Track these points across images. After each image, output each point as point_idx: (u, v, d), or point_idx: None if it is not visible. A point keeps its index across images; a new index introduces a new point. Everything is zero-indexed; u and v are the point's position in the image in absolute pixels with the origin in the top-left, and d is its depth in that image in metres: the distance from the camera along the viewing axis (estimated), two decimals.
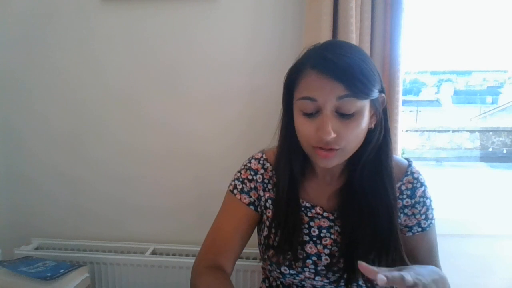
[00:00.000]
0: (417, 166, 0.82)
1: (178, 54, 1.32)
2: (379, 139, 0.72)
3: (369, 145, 0.71)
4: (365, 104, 0.66)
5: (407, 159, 0.82)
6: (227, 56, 1.31)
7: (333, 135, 0.64)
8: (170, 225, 1.43)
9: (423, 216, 0.79)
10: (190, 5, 1.28)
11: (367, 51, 1.14)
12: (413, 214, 0.79)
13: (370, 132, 0.71)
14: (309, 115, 0.67)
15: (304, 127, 0.68)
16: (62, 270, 1.13)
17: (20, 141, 1.44)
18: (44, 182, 1.45)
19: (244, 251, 1.29)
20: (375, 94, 0.67)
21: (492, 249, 1.31)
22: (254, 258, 1.30)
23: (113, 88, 1.37)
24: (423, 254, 0.80)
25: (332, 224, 0.78)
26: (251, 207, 0.83)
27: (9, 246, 1.37)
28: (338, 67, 0.64)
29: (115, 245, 1.40)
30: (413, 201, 0.79)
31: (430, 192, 0.81)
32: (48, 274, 1.09)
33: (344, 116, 0.65)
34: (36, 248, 1.40)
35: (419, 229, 0.79)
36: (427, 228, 0.80)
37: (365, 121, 0.67)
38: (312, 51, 0.70)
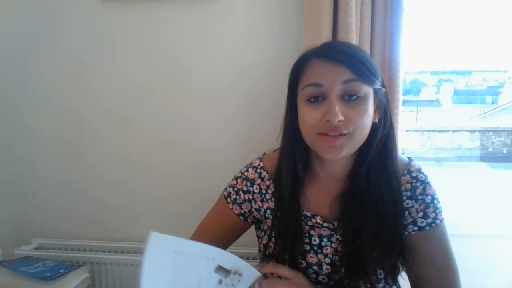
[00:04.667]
0: (418, 163, 0.77)
1: (178, 54, 1.32)
2: (384, 135, 0.71)
3: (374, 140, 0.70)
4: (370, 91, 0.67)
5: (408, 158, 0.78)
6: (226, 56, 1.31)
7: (340, 117, 0.63)
8: (170, 225, 1.43)
9: (420, 214, 0.74)
10: (190, 5, 1.28)
11: (367, 51, 1.14)
12: (409, 213, 0.74)
13: (374, 127, 0.70)
14: (313, 102, 0.67)
15: (308, 115, 0.67)
16: (62, 270, 1.13)
17: (20, 142, 1.44)
18: (44, 183, 1.45)
19: (244, 251, 1.30)
20: (378, 84, 0.68)
21: (492, 249, 1.31)
22: (254, 258, 1.30)
23: (111, 93, 1.37)
24: (423, 259, 0.74)
25: (332, 232, 0.76)
26: (241, 218, 0.84)
27: (9, 246, 1.37)
28: (344, 53, 0.66)
29: (115, 245, 1.40)
30: (413, 201, 0.74)
31: (433, 191, 0.75)
32: (48, 274, 1.09)
33: (350, 100, 0.65)
34: (36, 248, 1.40)
35: (415, 228, 0.74)
36: (426, 228, 0.73)
37: (370, 109, 0.67)
38: (315, 46, 0.71)
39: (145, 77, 1.34)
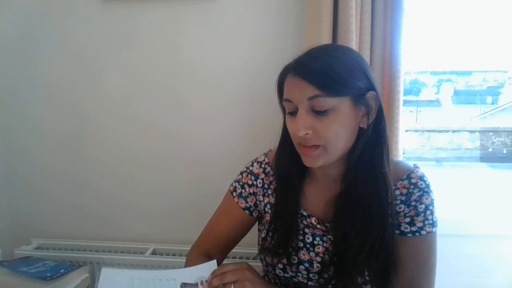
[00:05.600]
0: (423, 172, 0.75)
1: (178, 54, 1.32)
2: (371, 138, 0.70)
3: (358, 143, 0.70)
4: (342, 102, 0.66)
5: (414, 165, 0.77)
6: (226, 56, 1.31)
7: (304, 131, 0.66)
8: (170, 225, 1.43)
9: (407, 220, 0.72)
10: (190, 5, 1.28)
11: (367, 51, 1.14)
12: (398, 216, 0.73)
13: (361, 132, 0.70)
14: (291, 114, 0.70)
15: (289, 126, 0.72)
16: (62, 270, 1.13)
17: (19, 142, 1.44)
18: (44, 183, 1.45)
19: (243, 251, 1.30)
20: (353, 91, 0.67)
21: (492, 249, 1.30)
22: (254, 258, 1.30)
23: (112, 89, 1.37)
24: (403, 264, 0.72)
25: (325, 233, 0.78)
26: (246, 211, 0.86)
27: (9, 246, 1.37)
28: (310, 68, 0.66)
29: (115, 245, 1.40)
30: (405, 206, 0.73)
31: (430, 201, 0.72)
32: (48, 274, 1.09)
33: (319, 113, 0.66)
34: (36, 248, 1.40)
35: (397, 232, 0.73)
36: (408, 235, 0.72)
37: (344, 119, 0.67)
38: (295, 57, 0.72)
39: (146, 74, 1.35)
